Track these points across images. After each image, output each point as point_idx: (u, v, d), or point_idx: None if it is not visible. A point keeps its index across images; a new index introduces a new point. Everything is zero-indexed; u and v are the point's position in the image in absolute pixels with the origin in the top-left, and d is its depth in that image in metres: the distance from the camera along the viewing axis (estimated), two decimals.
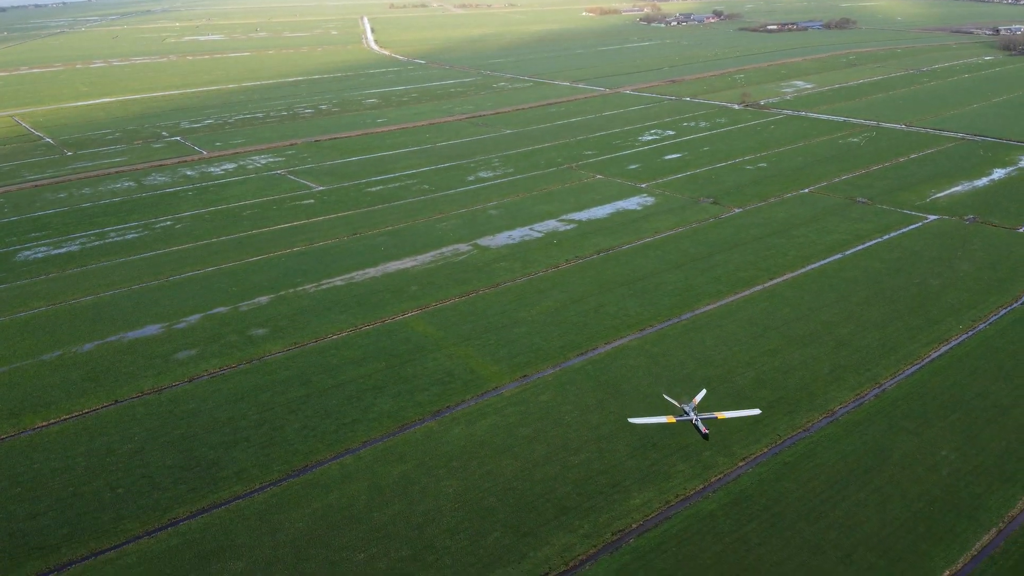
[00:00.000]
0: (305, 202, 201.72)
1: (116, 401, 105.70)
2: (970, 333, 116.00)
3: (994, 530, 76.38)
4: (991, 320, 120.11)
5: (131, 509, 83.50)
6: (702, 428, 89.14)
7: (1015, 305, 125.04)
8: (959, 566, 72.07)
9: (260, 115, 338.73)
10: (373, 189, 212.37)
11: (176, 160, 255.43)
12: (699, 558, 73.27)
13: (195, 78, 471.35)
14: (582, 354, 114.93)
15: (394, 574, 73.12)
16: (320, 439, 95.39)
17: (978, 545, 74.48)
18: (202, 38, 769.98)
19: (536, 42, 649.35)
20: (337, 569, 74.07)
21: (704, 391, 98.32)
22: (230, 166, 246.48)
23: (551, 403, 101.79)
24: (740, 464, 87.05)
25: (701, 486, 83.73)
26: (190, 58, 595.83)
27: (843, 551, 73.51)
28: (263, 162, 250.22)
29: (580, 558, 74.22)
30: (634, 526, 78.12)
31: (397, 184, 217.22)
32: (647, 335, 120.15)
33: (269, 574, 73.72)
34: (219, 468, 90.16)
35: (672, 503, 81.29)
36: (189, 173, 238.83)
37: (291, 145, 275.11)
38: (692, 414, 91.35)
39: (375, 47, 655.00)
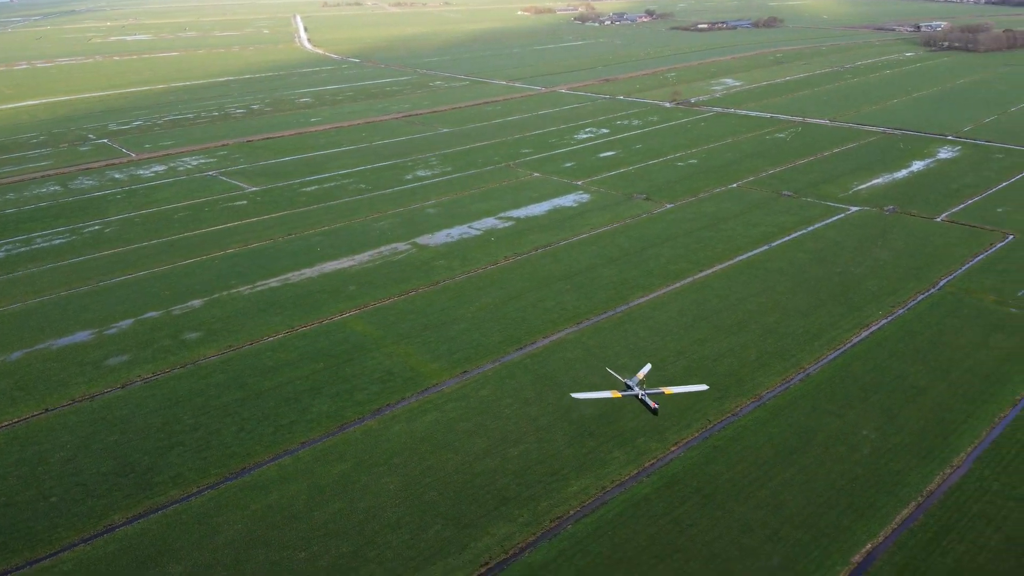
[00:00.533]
0: (238, 203, 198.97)
1: (47, 409, 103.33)
2: (890, 318, 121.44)
3: (913, 504, 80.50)
4: (909, 305, 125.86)
5: (66, 517, 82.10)
6: (651, 403, 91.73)
7: (932, 291, 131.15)
8: (880, 539, 75.83)
9: (190, 116, 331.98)
10: (308, 189, 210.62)
11: (104, 163, 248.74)
12: (634, 540, 75.64)
13: (122, 79, 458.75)
14: (521, 348, 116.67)
15: (336, 570, 73.63)
16: (257, 441, 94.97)
17: (898, 519, 78.40)
18: (129, 38, 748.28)
19: (472, 41, 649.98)
20: (278, 568, 74.19)
21: (649, 365, 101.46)
22: (160, 168, 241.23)
23: (491, 397, 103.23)
24: (673, 449, 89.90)
25: (636, 471, 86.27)
26: (117, 58, 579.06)
27: (771, 529, 76.73)
28: (194, 163, 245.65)
29: (520, 546, 75.90)
30: (572, 512, 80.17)
31: (333, 184, 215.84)
32: (584, 328, 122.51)
33: None
34: (155, 473, 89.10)
35: (608, 488, 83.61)
36: (118, 176, 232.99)
37: (223, 146, 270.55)
38: (637, 389, 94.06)
39: (308, 46, 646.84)
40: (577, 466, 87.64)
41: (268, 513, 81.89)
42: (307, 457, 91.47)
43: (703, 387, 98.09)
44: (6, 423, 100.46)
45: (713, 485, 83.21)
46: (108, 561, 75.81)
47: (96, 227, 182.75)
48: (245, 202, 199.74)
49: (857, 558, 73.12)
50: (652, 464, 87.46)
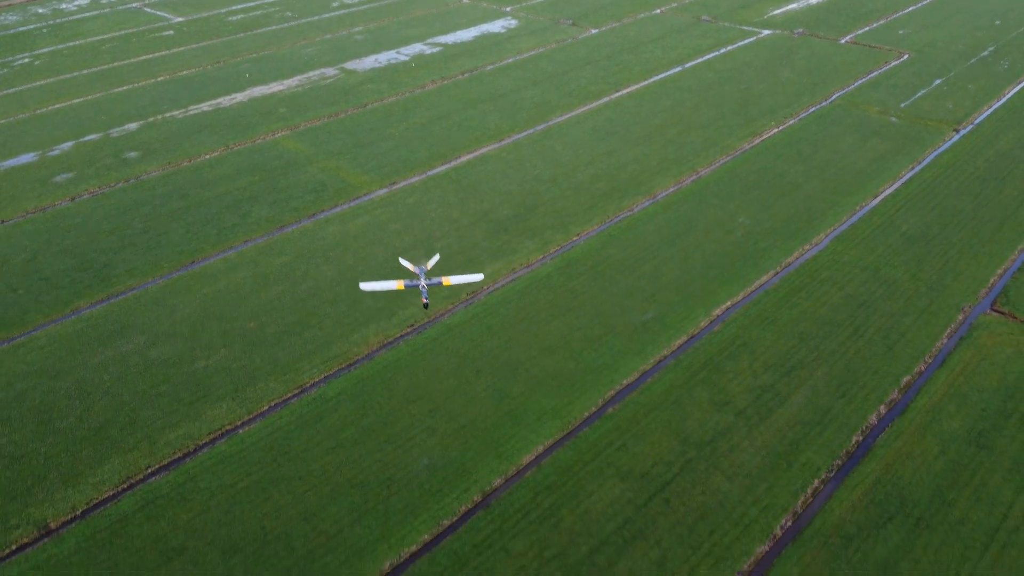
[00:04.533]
0: (165, 33, 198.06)
1: (2, 221, 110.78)
2: (781, 128, 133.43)
3: (771, 272, 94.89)
4: (801, 116, 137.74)
5: (34, 305, 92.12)
6: (424, 299, 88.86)
7: (824, 104, 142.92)
8: (739, 298, 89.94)
9: None
10: (234, 18, 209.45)
11: None
12: (535, 304, 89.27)
13: None
14: (446, 163, 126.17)
15: (283, 334, 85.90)
16: (204, 240, 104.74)
17: (757, 283, 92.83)
18: None
19: None
20: (230, 336, 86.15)
21: (438, 256, 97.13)
22: (83, 2, 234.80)
23: (417, 203, 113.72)
24: (574, 239, 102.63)
25: (541, 256, 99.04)
26: None
27: (649, 293, 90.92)
28: None
29: (440, 312, 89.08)
30: (485, 288, 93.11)
31: (259, 12, 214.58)
32: (505, 144, 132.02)
33: (170, 343, 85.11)
34: (111, 268, 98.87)
35: (517, 270, 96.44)
36: (41, 11, 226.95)
37: None
38: (423, 279, 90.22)
39: None
40: (492, 254, 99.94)
41: (218, 295, 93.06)
42: (250, 252, 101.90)
43: (479, 276, 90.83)
44: None
45: (605, 264, 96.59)
46: (77, 336, 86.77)
47: (26, 60, 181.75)
48: (171, 32, 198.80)
49: (718, 312, 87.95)
50: (556, 251, 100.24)
